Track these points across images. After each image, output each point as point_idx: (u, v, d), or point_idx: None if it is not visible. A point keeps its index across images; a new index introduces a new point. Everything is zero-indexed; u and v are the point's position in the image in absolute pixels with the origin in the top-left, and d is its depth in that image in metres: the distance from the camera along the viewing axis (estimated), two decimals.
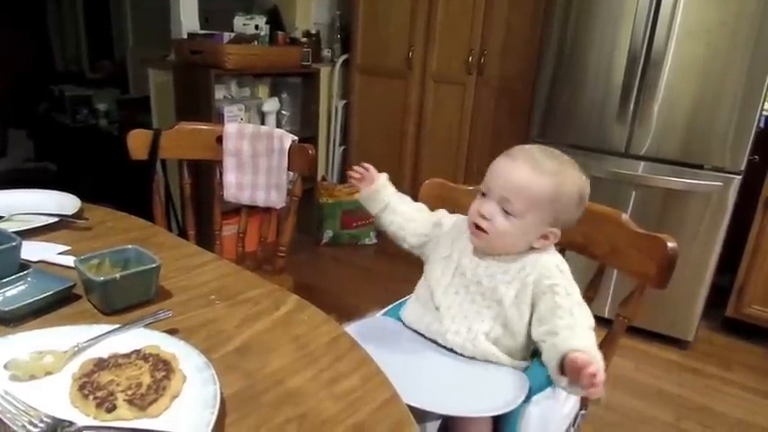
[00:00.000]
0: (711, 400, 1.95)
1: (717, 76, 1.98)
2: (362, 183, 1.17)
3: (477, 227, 0.94)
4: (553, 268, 0.94)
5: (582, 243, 1.09)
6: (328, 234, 3.13)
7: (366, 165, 1.17)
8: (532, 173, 0.91)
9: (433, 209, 1.26)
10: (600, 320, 0.95)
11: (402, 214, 1.14)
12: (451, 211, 1.18)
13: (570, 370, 0.76)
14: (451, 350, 0.97)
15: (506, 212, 0.92)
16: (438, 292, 1.01)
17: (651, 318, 2.24)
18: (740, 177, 2.02)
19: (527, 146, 0.98)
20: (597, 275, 1.12)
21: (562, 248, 1.14)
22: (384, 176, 1.17)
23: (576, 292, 0.93)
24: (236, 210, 1.73)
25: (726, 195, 2.05)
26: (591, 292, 1.12)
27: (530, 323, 0.95)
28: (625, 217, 1.03)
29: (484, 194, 0.96)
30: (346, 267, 2.90)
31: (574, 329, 0.85)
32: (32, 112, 4.59)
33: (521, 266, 0.95)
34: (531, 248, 0.96)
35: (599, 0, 2.11)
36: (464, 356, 0.96)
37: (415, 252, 1.13)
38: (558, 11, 2.21)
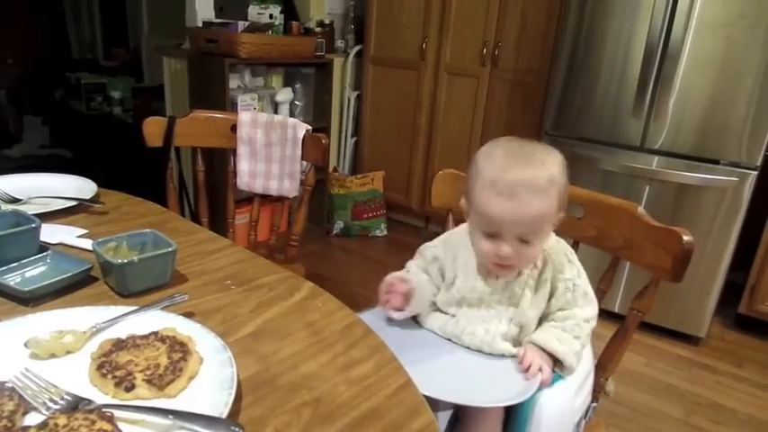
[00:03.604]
0: (722, 397, 1.94)
1: (735, 69, 1.95)
2: (394, 298, 0.98)
3: (502, 265, 0.90)
4: (563, 260, 0.95)
5: (596, 236, 1.08)
6: (339, 225, 3.14)
7: (389, 283, 0.98)
8: (538, 201, 0.85)
9: (446, 200, 1.26)
10: (611, 315, 0.96)
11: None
12: None
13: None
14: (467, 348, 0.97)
15: (526, 241, 0.88)
16: (451, 310, 1.00)
17: (663, 313, 2.23)
18: (756, 173, 2.00)
19: (505, 167, 0.86)
20: (610, 269, 1.12)
21: (576, 241, 1.14)
22: (413, 284, 0.98)
23: (583, 281, 0.95)
24: (248, 199, 1.74)
25: (741, 191, 2.02)
26: (604, 286, 1.12)
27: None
28: (641, 210, 1.02)
29: (490, 235, 0.89)
30: (357, 259, 2.91)
31: (564, 321, 0.93)
32: (48, 99, 4.64)
33: (532, 265, 0.95)
34: None
35: None
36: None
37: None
38: (575, 2, 2.18)
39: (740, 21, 1.91)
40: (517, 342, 0.95)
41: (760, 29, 1.88)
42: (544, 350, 0.91)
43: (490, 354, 0.94)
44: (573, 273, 0.94)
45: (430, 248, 1.05)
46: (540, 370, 0.88)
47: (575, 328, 0.92)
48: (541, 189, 0.85)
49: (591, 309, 0.95)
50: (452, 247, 1.02)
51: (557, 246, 0.97)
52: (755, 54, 1.91)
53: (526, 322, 0.94)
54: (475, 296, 0.96)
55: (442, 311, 1.02)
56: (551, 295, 0.95)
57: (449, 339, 0.98)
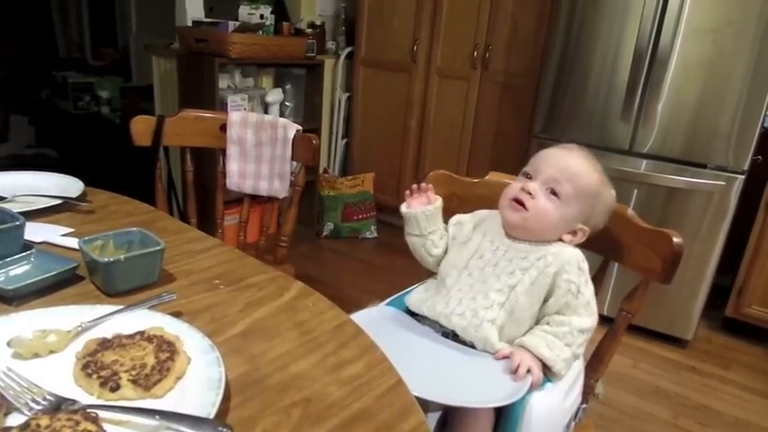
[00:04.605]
0: (709, 399, 1.95)
1: (722, 74, 1.97)
2: (415, 199, 1.09)
3: (518, 202, 0.96)
4: (574, 264, 0.95)
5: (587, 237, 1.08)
6: (329, 227, 3.13)
7: (426, 185, 1.11)
8: (586, 165, 0.96)
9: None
10: (600, 318, 0.97)
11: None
12: (455, 204, 1.17)
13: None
14: (452, 332, 0.98)
15: (552, 194, 0.95)
16: (452, 275, 1.01)
17: (651, 316, 2.24)
18: (743, 177, 2.02)
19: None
20: (600, 271, 1.12)
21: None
22: (440, 201, 1.10)
23: (588, 291, 0.95)
24: (237, 200, 1.73)
25: (728, 195, 2.04)
26: (594, 288, 1.12)
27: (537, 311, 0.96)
28: (631, 212, 1.03)
29: (528, 176, 0.98)
30: (347, 260, 2.90)
31: (559, 327, 0.92)
32: (35, 99, 4.58)
33: (541, 255, 0.96)
34: (556, 241, 0.99)
35: None
36: (464, 341, 0.97)
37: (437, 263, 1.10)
38: (565, 7, 2.20)
39: (727, 26, 1.93)
40: (504, 334, 0.95)
41: (746, 34, 1.91)
42: (533, 354, 0.91)
43: (473, 341, 0.95)
44: (579, 279, 0.94)
45: (458, 216, 1.11)
46: (530, 371, 0.89)
47: (567, 335, 0.92)
48: (594, 165, 0.96)
49: (590, 321, 0.94)
50: (480, 216, 1.07)
51: (572, 251, 0.97)
52: (742, 59, 1.93)
53: (518, 310, 0.94)
54: (487, 253, 0.99)
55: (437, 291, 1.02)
56: (551, 294, 0.94)
57: (436, 321, 0.99)
